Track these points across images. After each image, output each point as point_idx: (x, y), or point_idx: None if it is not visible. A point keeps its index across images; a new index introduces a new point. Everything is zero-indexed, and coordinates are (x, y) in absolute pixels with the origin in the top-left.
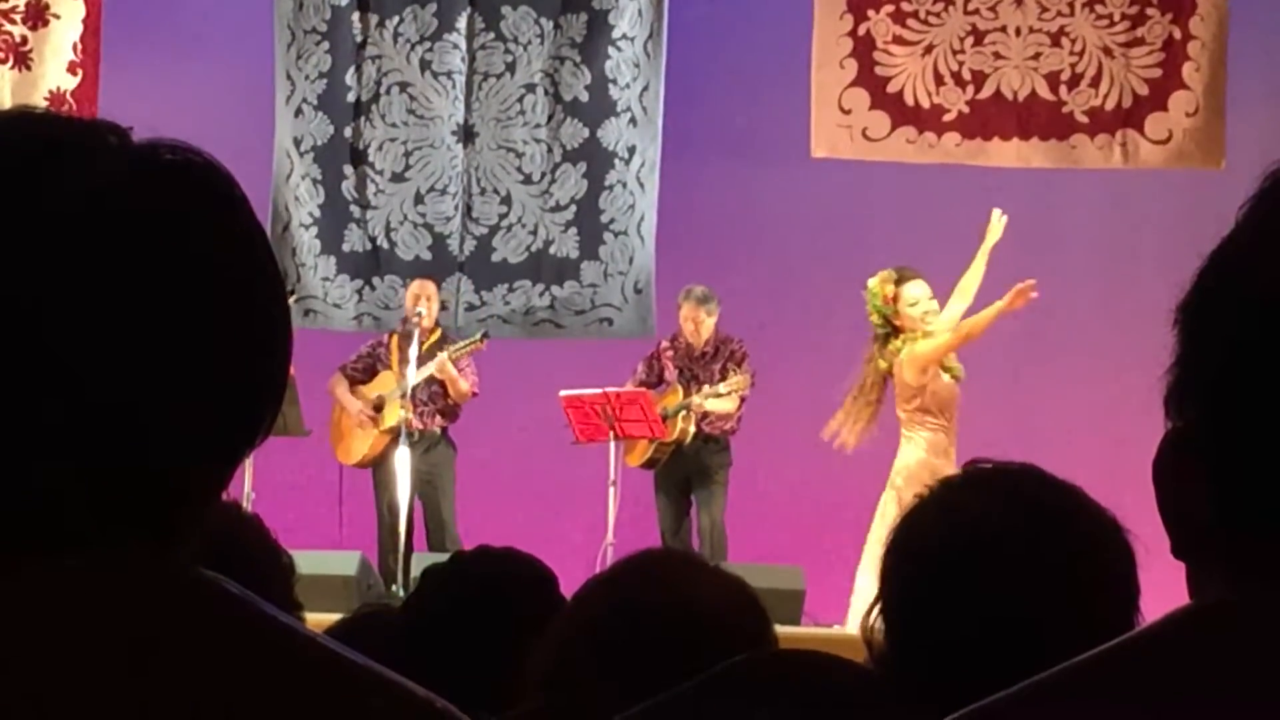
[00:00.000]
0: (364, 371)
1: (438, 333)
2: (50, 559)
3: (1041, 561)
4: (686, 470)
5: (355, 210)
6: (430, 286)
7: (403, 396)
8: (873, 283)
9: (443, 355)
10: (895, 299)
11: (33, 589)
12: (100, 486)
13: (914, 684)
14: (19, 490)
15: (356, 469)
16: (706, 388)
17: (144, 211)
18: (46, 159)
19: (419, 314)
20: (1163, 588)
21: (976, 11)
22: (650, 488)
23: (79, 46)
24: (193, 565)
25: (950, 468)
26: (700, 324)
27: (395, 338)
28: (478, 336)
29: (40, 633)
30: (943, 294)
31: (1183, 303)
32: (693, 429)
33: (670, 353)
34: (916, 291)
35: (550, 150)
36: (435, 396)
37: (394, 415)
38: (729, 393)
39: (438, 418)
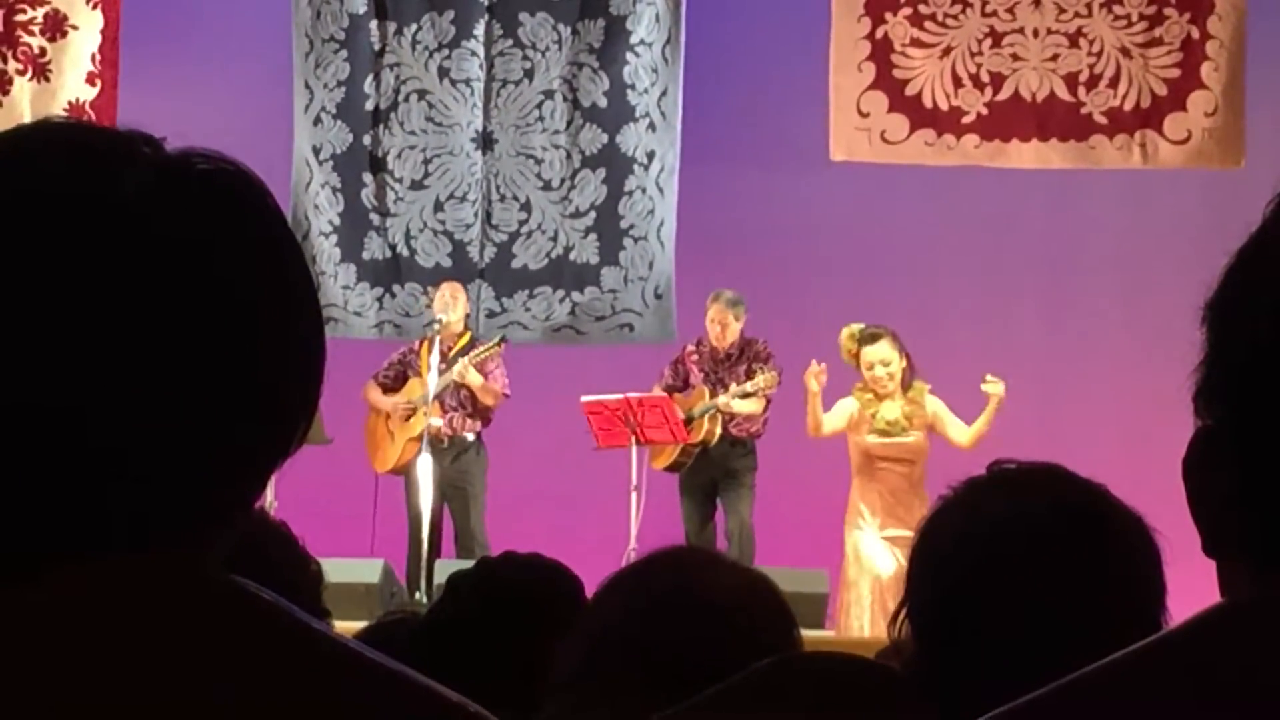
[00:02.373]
0: (395, 379)
1: (466, 337)
2: (82, 567)
3: (1068, 561)
4: (712, 473)
5: (375, 218)
6: (451, 290)
7: (427, 403)
8: (843, 335)
9: (463, 361)
10: (856, 356)
11: (62, 596)
12: (134, 497)
13: (943, 686)
14: (56, 501)
15: (391, 476)
16: (734, 386)
17: (178, 222)
18: (80, 169)
19: (439, 320)
20: (1190, 587)
21: (994, 13)
22: (674, 493)
23: (97, 57)
24: (223, 572)
25: (853, 517)
26: (727, 326)
27: (425, 344)
28: (496, 340)
29: (69, 638)
30: (957, 283)
31: (1211, 300)
32: (719, 431)
33: (695, 356)
34: (873, 355)
35: (569, 156)
36: (465, 401)
37: (421, 422)
38: (756, 391)
39: (468, 422)
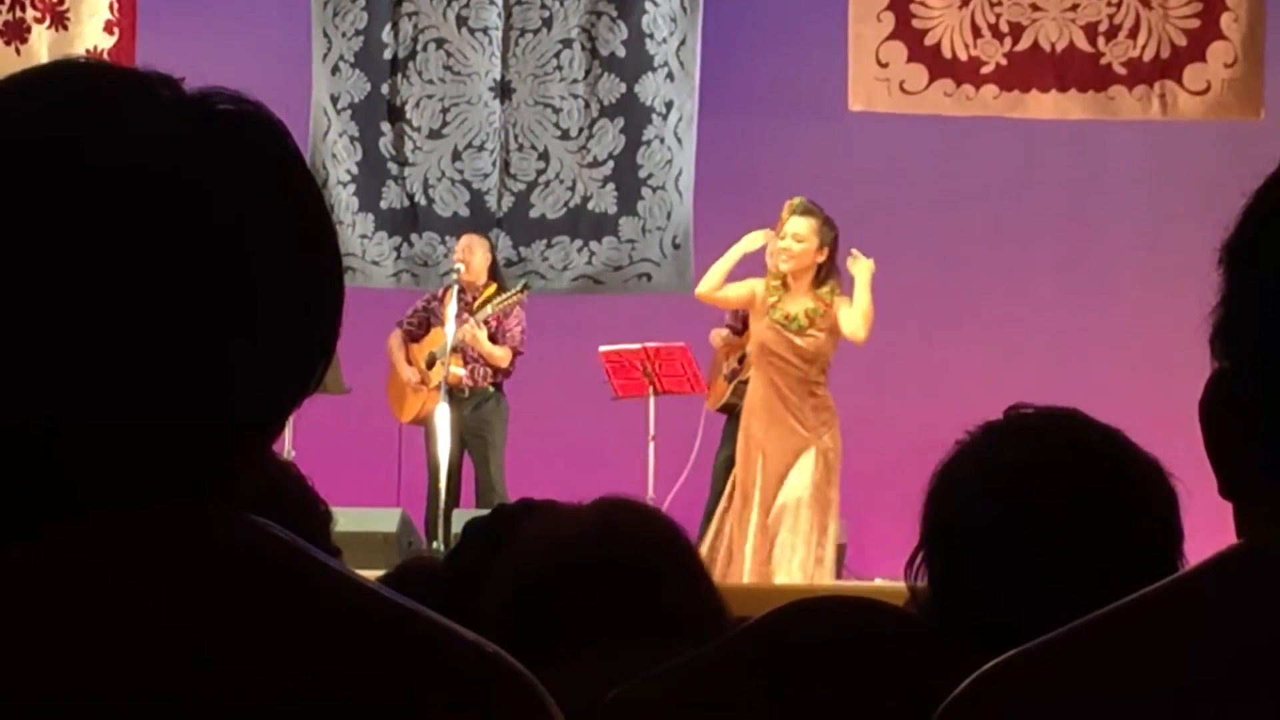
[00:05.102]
0: (419, 326)
1: (492, 288)
2: (105, 509)
3: (1084, 505)
4: None
5: (393, 167)
6: (469, 242)
7: (448, 352)
8: (784, 207)
9: (469, 325)
10: (781, 225)
11: (85, 539)
12: (159, 439)
13: (957, 629)
14: (81, 442)
15: (414, 426)
16: None
17: (198, 163)
18: (98, 110)
19: (457, 268)
20: (1206, 530)
21: None
22: (690, 444)
23: (115, 5)
24: (241, 511)
25: (751, 419)
26: None
27: (448, 292)
28: (519, 288)
29: (91, 582)
30: (975, 233)
31: (1228, 241)
32: None
33: None
34: (790, 227)
35: (588, 106)
36: (486, 352)
37: (440, 372)
38: None
39: (489, 373)
